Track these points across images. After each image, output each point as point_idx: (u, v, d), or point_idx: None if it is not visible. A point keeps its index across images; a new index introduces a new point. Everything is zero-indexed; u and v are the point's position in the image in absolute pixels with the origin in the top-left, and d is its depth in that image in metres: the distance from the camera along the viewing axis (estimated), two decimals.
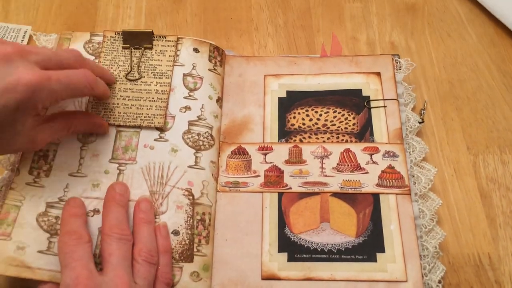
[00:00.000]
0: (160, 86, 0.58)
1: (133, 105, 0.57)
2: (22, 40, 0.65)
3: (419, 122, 0.59)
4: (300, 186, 0.56)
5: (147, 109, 0.57)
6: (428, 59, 0.67)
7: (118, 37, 0.61)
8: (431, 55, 0.67)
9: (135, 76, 0.59)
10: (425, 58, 0.67)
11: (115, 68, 0.59)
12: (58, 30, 0.67)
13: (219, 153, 0.58)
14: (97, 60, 0.60)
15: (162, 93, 0.58)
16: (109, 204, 0.50)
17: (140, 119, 0.56)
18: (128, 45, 0.61)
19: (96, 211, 0.52)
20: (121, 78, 0.59)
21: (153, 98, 0.57)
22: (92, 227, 0.51)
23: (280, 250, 0.53)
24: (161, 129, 0.57)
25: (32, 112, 0.45)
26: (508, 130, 0.62)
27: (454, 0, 0.72)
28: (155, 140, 0.56)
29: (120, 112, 0.57)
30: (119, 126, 0.56)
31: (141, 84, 0.58)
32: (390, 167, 0.56)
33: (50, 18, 0.68)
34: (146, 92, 0.58)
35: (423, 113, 0.61)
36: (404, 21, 0.70)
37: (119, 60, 0.60)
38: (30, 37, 0.65)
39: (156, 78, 0.59)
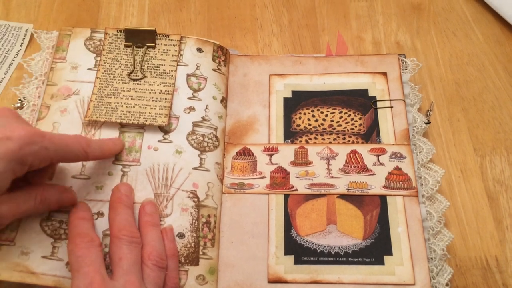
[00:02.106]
0: (164, 86, 0.57)
1: (136, 104, 0.56)
2: (24, 39, 0.64)
3: (426, 123, 0.59)
4: (306, 188, 0.55)
5: (151, 108, 0.56)
6: (434, 59, 0.66)
7: (120, 35, 0.60)
8: (437, 55, 0.67)
9: (138, 76, 0.58)
10: (431, 58, 0.66)
11: (117, 66, 0.58)
12: (60, 28, 0.66)
13: (224, 154, 0.57)
14: (98, 58, 0.59)
15: (166, 93, 0.57)
16: (115, 206, 0.49)
17: (143, 118, 0.55)
18: (131, 44, 0.60)
19: (100, 214, 0.51)
20: (124, 77, 0.58)
21: (156, 98, 0.57)
22: (96, 230, 0.50)
23: (287, 252, 0.52)
24: (165, 130, 0.56)
25: (17, 167, 0.42)
26: None
27: None
28: (159, 141, 0.55)
29: (123, 111, 0.56)
30: (122, 125, 0.56)
31: (144, 84, 0.58)
32: (397, 168, 0.56)
33: (52, 15, 0.67)
34: (150, 92, 0.57)
35: (429, 114, 0.60)
36: (410, 21, 0.69)
37: (121, 59, 0.59)
38: (31, 35, 0.64)
39: (160, 78, 0.58)
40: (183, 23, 0.68)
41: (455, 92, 0.64)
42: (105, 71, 0.58)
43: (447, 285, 0.51)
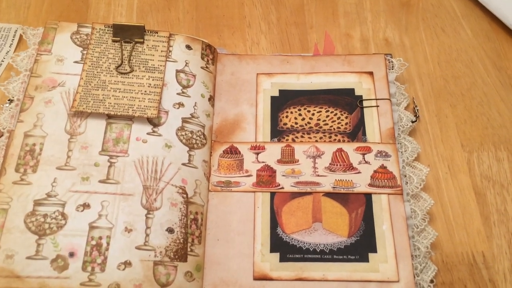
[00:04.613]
0: (153, 80, 0.58)
1: (124, 97, 0.57)
2: (13, 39, 0.64)
3: (412, 121, 0.59)
4: (292, 186, 0.56)
5: (139, 101, 0.56)
6: (422, 55, 0.66)
7: (107, 30, 0.61)
8: (425, 51, 0.67)
9: (126, 70, 0.58)
10: (419, 55, 0.66)
11: (104, 60, 0.59)
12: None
13: (211, 153, 0.58)
14: (84, 52, 0.60)
15: (155, 87, 0.57)
16: None
17: (132, 110, 0.56)
18: (119, 38, 0.60)
19: (86, 206, 0.51)
20: (111, 70, 0.58)
21: (145, 91, 0.57)
22: (81, 222, 0.50)
23: (272, 250, 0.53)
24: (154, 123, 0.56)
25: None
26: (503, 126, 0.62)
27: None
28: (148, 133, 0.56)
29: (110, 103, 0.56)
30: (110, 117, 0.56)
31: (132, 78, 0.58)
32: (383, 167, 0.56)
33: (41, 16, 0.68)
34: (138, 86, 0.57)
35: (417, 109, 0.61)
36: (399, 17, 0.69)
37: (108, 53, 0.59)
38: (20, 36, 0.64)
39: (148, 72, 0.58)
40: (171, 22, 0.69)
41: (443, 88, 0.64)
42: (92, 64, 0.59)
43: (431, 281, 0.51)
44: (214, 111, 0.60)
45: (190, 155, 0.56)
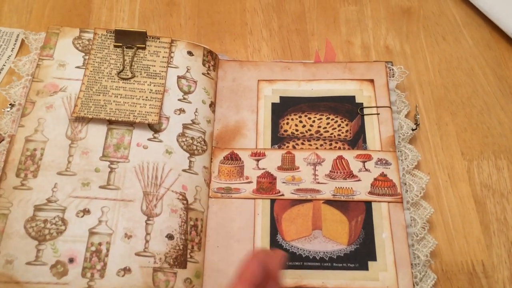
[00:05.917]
0: (154, 86, 0.58)
1: (125, 102, 0.57)
2: (15, 44, 0.64)
3: (413, 129, 0.59)
4: (292, 193, 0.56)
5: (141, 106, 0.56)
6: (423, 63, 0.66)
7: (109, 35, 0.61)
8: (426, 59, 0.67)
9: (128, 75, 0.59)
10: (420, 62, 0.66)
11: (106, 65, 0.59)
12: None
13: (211, 159, 0.58)
14: (86, 57, 0.60)
15: (156, 93, 0.57)
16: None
17: (133, 116, 0.56)
18: (121, 44, 0.60)
19: (86, 211, 0.51)
20: (113, 76, 0.58)
21: (147, 97, 0.57)
22: (81, 228, 0.51)
23: None
24: (155, 129, 0.56)
25: None
26: (503, 135, 0.62)
27: (450, 3, 0.71)
28: (149, 139, 0.56)
29: (112, 109, 0.56)
30: (111, 122, 0.56)
31: (134, 83, 0.58)
32: (383, 174, 0.56)
33: (43, 20, 0.68)
34: (140, 91, 0.57)
35: (418, 118, 0.61)
36: (400, 25, 0.69)
37: (110, 58, 0.60)
38: (22, 41, 0.64)
39: (150, 78, 0.59)
40: (173, 28, 0.69)
41: (444, 96, 0.64)
42: (93, 69, 0.59)
43: None
44: (215, 117, 0.60)
45: (190, 161, 0.56)
